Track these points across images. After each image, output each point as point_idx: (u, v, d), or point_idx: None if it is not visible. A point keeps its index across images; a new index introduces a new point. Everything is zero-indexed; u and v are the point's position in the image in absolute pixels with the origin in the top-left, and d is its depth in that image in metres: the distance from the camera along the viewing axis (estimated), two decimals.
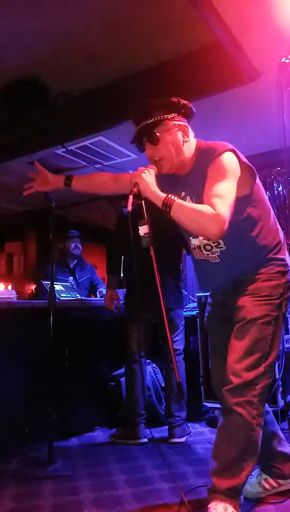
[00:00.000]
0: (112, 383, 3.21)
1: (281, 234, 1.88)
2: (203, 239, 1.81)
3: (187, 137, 1.79)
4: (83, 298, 3.36)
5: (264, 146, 4.15)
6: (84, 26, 2.62)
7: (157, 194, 1.66)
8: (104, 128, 3.54)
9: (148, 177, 1.69)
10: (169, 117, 1.75)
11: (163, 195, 1.64)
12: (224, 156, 1.67)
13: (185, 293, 4.14)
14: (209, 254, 1.84)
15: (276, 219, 1.91)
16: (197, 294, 3.46)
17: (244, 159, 1.74)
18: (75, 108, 3.28)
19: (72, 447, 2.75)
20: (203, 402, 3.19)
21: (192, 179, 1.79)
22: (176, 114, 1.77)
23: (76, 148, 3.98)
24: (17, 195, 5.29)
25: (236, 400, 1.65)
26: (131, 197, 1.68)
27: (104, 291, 3.52)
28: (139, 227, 1.72)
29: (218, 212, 1.53)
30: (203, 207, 1.57)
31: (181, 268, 3.42)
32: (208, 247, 1.83)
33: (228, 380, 1.68)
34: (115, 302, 3.08)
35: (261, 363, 1.69)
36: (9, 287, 2.85)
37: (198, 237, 1.83)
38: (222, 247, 1.79)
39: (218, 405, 3.08)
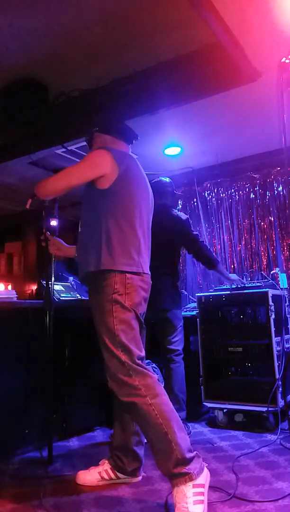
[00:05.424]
0: None
1: (134, 242, 2.03)
2: None
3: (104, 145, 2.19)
4: (83, 298, 3.35)
5: (264, 146, 4.15)
6: (84, 26, 2.62)
7: None
8: None
9: None
10: (94, 131, 2.29)
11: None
12: (92, 151, 2.14)
13: (185, 293, 4.14)
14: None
15: (142, 239, 2.08)
16: (197, 294, 3.47)
17: (118, 158, 2.04)
18: (75, 108, 3.28)
19: (72, 447, 2.76)
20: (203, 402, 3.20)
21: None
22: (97, 129, 2.27)
23: (76, 148, 3.98)
24: (17, 195, 5.29)
25: (122, 391, 1.81)
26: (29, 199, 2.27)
27: None
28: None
29: (43, 180, 2.10)
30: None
31: (179, 268, 3.41)
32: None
33: (107, 380, 1.90)
34: None
35: (116, 353, 1.87)
36: (9, 287, 2.85)
37: None
38: (80, 228, 2.15)
39: (218, 405, 3.11)
